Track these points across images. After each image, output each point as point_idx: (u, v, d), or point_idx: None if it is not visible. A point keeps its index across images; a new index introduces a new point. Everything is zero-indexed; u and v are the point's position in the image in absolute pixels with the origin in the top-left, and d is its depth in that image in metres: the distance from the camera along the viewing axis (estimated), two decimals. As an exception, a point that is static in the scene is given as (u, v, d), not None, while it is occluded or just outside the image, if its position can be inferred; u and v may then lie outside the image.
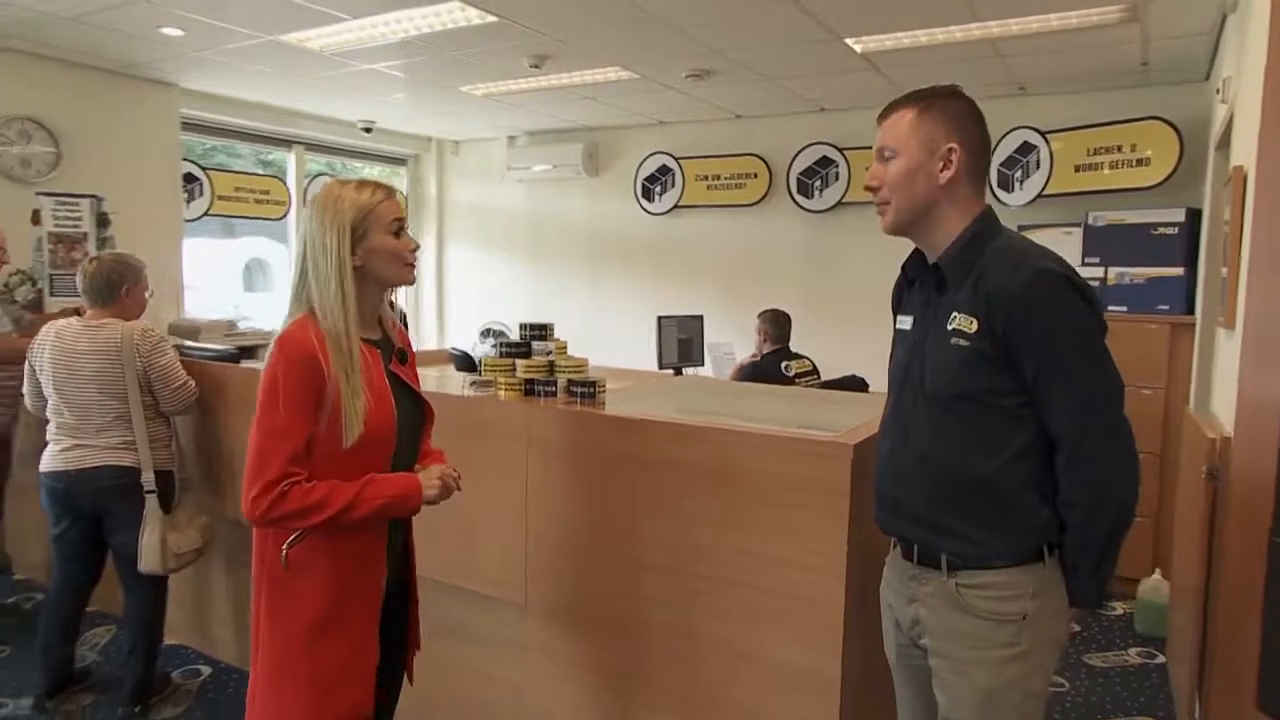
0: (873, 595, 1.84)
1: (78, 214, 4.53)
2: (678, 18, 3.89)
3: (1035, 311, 1.50)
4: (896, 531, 1.72)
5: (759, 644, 2.02)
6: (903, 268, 1.78)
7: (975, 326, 1.55)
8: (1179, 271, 4.29)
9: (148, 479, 2.92)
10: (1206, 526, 2.54)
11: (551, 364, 2.46)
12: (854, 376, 4.51)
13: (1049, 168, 4.92)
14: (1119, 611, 4.17)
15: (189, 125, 5.85)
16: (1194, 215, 4.29)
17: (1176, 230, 4.32)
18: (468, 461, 2.41)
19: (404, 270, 1.81)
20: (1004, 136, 5.08)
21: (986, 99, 4.94)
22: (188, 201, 5.87)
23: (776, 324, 4.71)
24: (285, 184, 6.63)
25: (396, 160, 7.68)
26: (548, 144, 6.95)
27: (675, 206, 6.44)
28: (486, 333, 5.52)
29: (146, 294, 3.13)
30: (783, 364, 4.50)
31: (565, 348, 2.52)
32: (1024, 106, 5.14)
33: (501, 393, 2.47)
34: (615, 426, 2.26)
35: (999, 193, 5.11)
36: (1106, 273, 4.51)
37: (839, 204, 5.77)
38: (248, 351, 3.41)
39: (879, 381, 1.82)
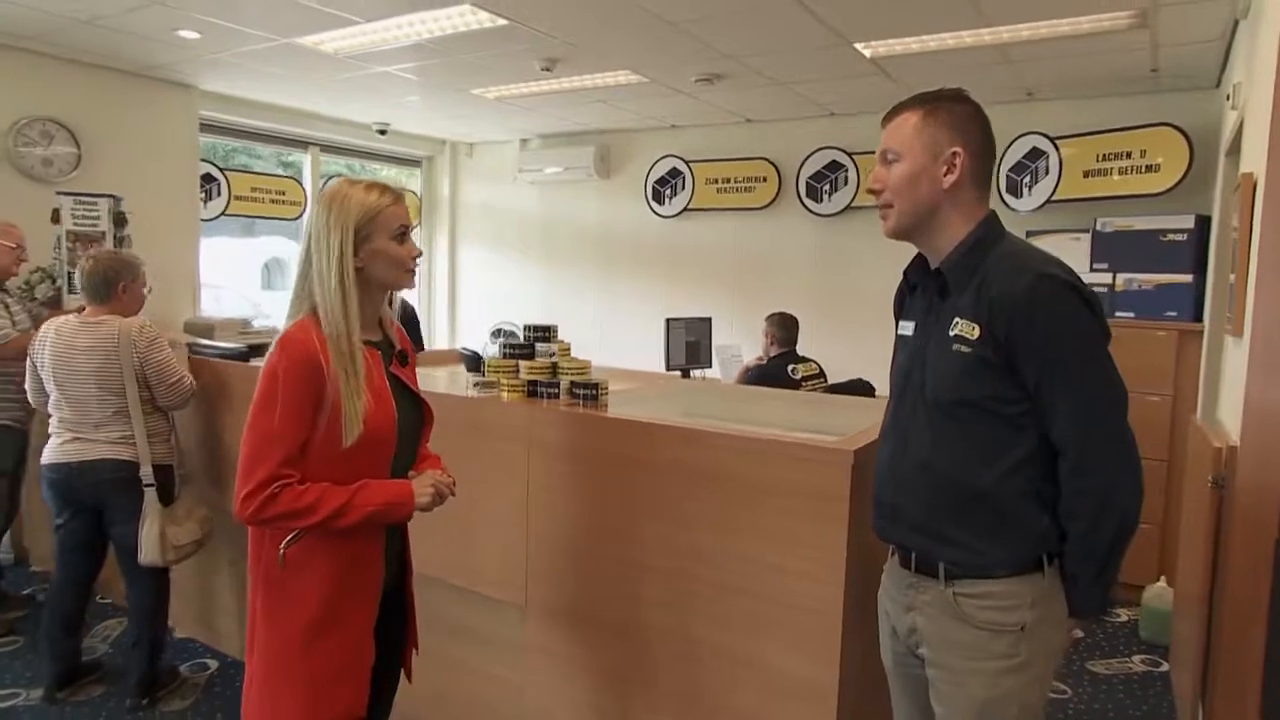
0: (871, 603, 1.80)
1: (96, 213, 4.55)
2: (687, 22, 3.86)
3: (1038, 317, 1.46)
4: (895, 539, 1.68)
5: (757, 650, 1.99)
6: (905, 273, 1.74)
7: (977, 332, 1.51)
8: (1188, 278, 4.22)
9: (146, 473, 2.93)
10: (1211, 535, 2.49)
11: (555, 365, 2.43)
12: (860, 380, 4.46)
13: (1058, 173, 4.87)
14: (1123, 618, 4.11)
15: (207, 126, 5.87)
16: (1203, 222, 4.22)
17: (1186, 237, 4.25)
18: (470, 462, 2.40)
19: (404, 275, 1.79)
20: (1013, 142, 5.02)
21: (996, 104, 4.90)
22: (205, 201, 5.89)
23: (784, 327, 4.67)
24: (301, 185, 6.64)
25: (411, 162, 7.68)
26: (560, 146, 6.93)
27: (685, 209, 6.41)
28: (497, 333, 5.53)
29: (145, 290, 3.15)
30: (789, 367, 4.46)
31: (569, 349, 2.49)
32: (1033, 112, 5.09)
33: (504, 394, 2.44)
34: (616, 429, 2.23)
35: (1007, 198, 5.06)
36: (1115, 279, 4.45)
37: (848, 208, 5.73)
38: (258, 350, 3.41)
39: (885, 386, 1.78)
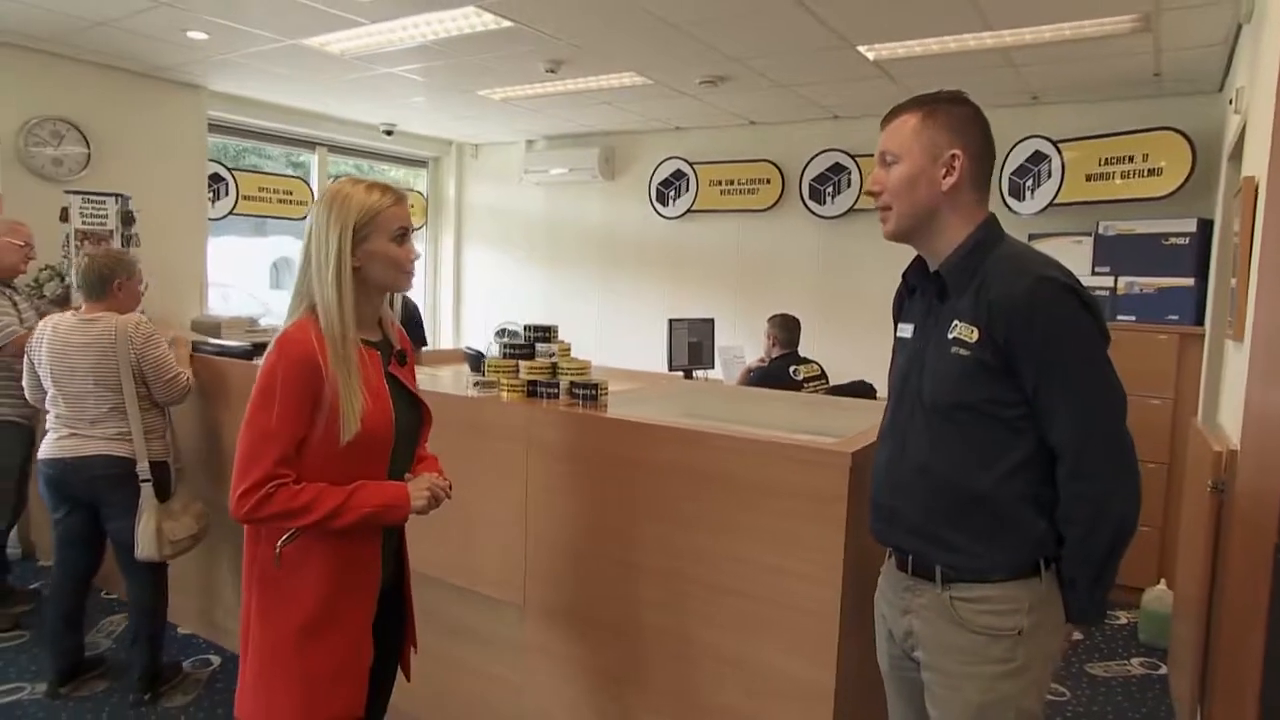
0: (868, 605, 1.78)
1: (104, 212, 4.56)
2: (691, 24, 3.84)
3: (1037, 320, 1.44)
4: (892, 542, 1.67)
5: (754, 651, 1.97)
6: (904, 275, 1.72)
7: (976, 335, 1.49)
8: (1189, 282, 4.20)
9: (142, 469, 2.93)
10: (1211, 539, 2.47)
11: (554, 366, 2.41)
12: (862, 382, 4.44)
13: (1060, 177, 4.84)
14: (1122, 621, 4.08)
15: (216, 127, 5.88)
16: (1205, 226, 4.20)
17: (1187, 241, 4.23)
18: (469, 461, 2.39)
19: (400, 277, 1.77)
20: (1016, 145, 5.00)
21: (999, 108, 4.91)
22: (213, 201, 5.89)
23: (786, 329, 4.65)
24: (309, 185, 6.64)
25: (417, 163, 7.68)
26: (565, 148, 6.92)
27: (689, 211, 6.40)
28: (501, 332, 5.51)
29: (140, 287, 3.16)
30: (791, 368, 4.44)
31: (569, 349, 2.47)
32: (1036, 115, 5.06)
33: (504, 394, 2.43)
34: (615, 429, 2.22)
35: (1010, 201, 5.03)
36: (1116, 282, 4.42)
37: (850, 210, 5.71)
38: (261, 348, 3.41)
39: (885, 388, 1.77)
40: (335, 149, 6.86)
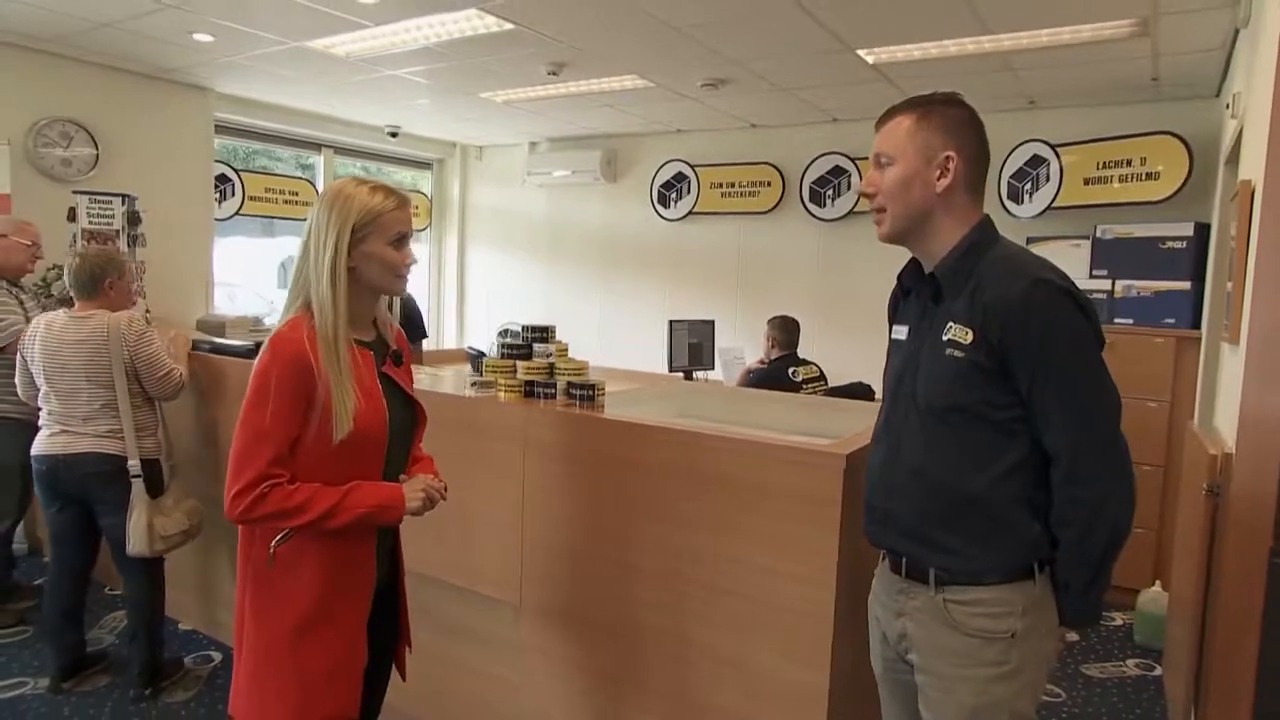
0: (862, 607, 1.76)
1: (110, 212, 4.55)
2: (692, 27, 3.82)
3: (1032, 322, 1.42)
4: (885, 544, 1.64)
5: (748, 652, 1.95)
6: (899, 277, 1.70)
7: (970, 337, 1.47)
8: (1186, 285, 4.17)
9: (133, 465, 2.92)
10: (1206, 543, 2.44)
11: (552, 366, 2.39)
12: (860, 384, 4.43)
13: (1059, 180, 4.81)
14: (1118, 622, 4.05)
15: (223, 128, 5.88)
16: (1202, 230, 4.17)
17: (1185, 244, 4.20)
18: (466, 461, 2.38)
19: (395, 281, 1.74)
20: (1014, 149, 4.97)
21: (997, 112, 4.89)
22: (220, 201, 5.89)
23: (785, 330, 4.63)
24: (314, 186, 6.64)
25: (422, 164, 7.67)
26: (567, 150, 6.91)
27: (690, 213, 6.38)
28: (504, 333, 5.50)
29: (133, 286, 3.17)
30: (790, 370, 4.42)
31: (566, 350, 2.45)
32: (1034, 119, 5.03)
33: (501, 394, 2.41)
34: (611, 430, 2.20)
35: (1009, 204, 5.01)
36: (1114, 285, 4.40)
37: (850, 213, 5.69)
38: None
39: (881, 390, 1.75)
40: (341, 151, 6.86)
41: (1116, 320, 4.34)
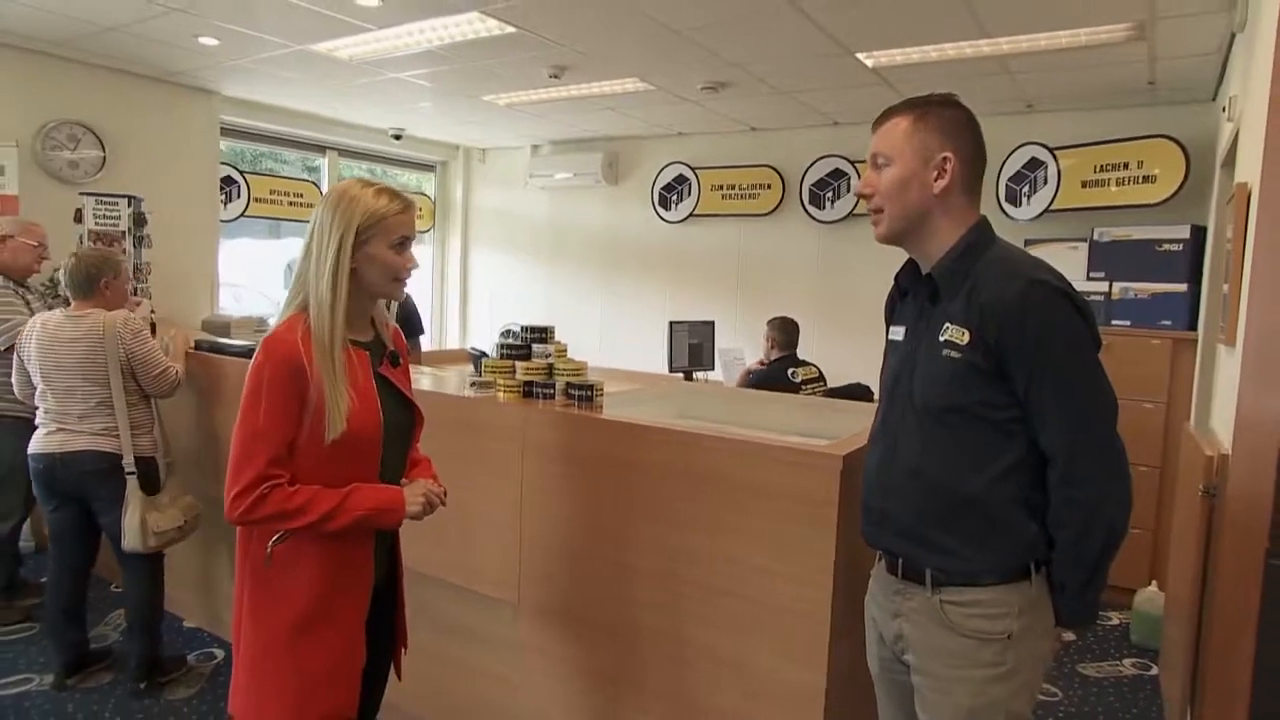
0: (859, 607, 1.74)
1: (116, 213, 4.55)
2: (693, 30, 3.81)
3: (1029, 323, 1.41)
4: (882, 545, 1.63)
5: (745, 653, 1.94)
6: (896, 278, 1.69)
7: (967, 338, 1.45)
8: (1183, 288, 4.15)
9: (128, 462, 2.92)
10: (1202, 543, 2.42)
11: (551, 366, 2.38)
12: (859, 385, 4.41)
13: (1056, 183, 4.80)
14: (1115, 621, 4.03)
15: (228, 131, 5.87)
16: (1199, 232, 4.15)
17: (1181, 247, 4.18)
18: (465, 461, 2.36)
19: (394, 285, 1.73)
20: (1012, 152, 4.96)
21: (995, 115, 4.88)
22: (225, 203, 5.88)
23: (784, 331, 4.62)
24: (319, 188, 6.63)
25: (425, 167, 7.66)
26: (569, 153, 6.90)
27: (691, 215, 6.37)
28: (506, 333, 5.49)
29: (128, 286, 3.18)
30: (789, 371, 4.41)
31: (565, 350, 2.44)
32: (1032, 123, 5.02)
33: (500, 394, 2.39)
34: (609, 430, 2.18)
35: (1006, 207, 4.99)
36: (1111, 288, 4.39)
37: (850, 215, 5.67)
38: None
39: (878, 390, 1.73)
40: (345, 153, 6.85)
41: (1114, 322, 4.32)
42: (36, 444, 2.93)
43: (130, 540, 2.88)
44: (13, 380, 3.08)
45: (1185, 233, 4.18)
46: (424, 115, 6.12)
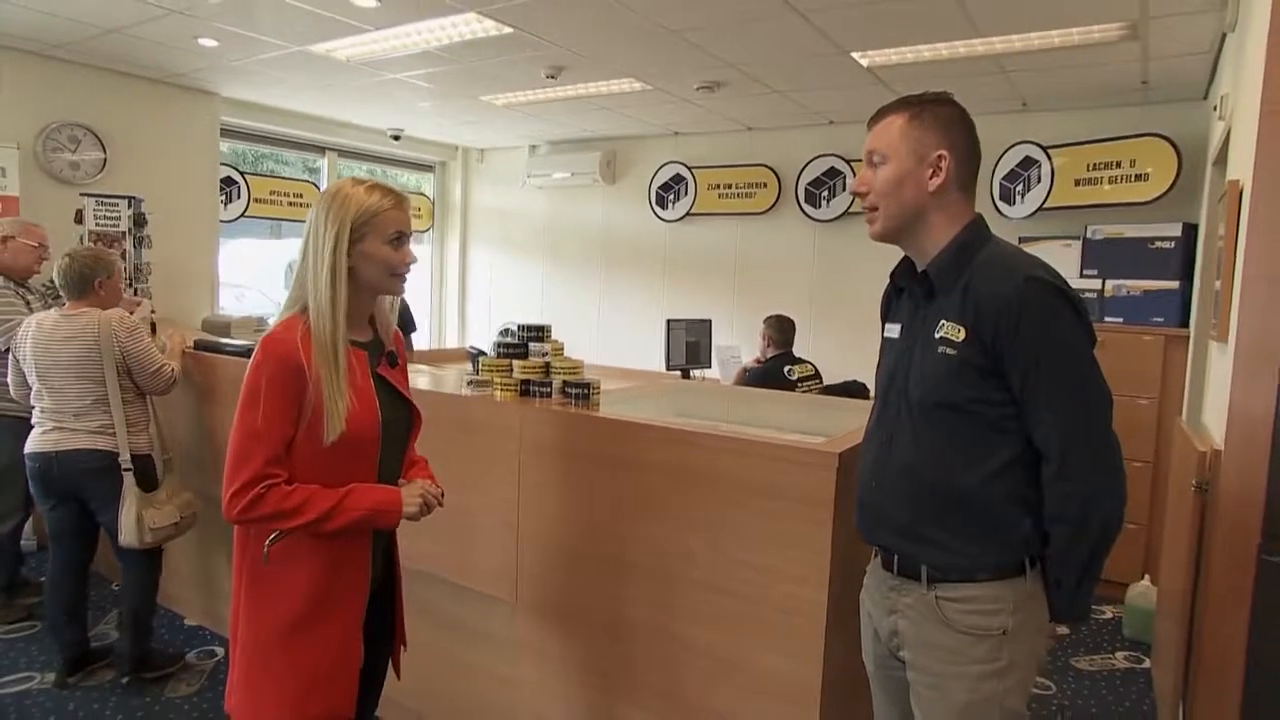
0: (855, 605, 1.73)
1: (117, 214, 4.53)
2: (688, 30, 3.79)
3: (1024, 320, 1.40)
4: (877, 541, 1.62)
5: (742, 650, 1.92)
6: (891, 275, 1.68)
7: (963, 335, 1.44)
8: (1175, 285, 4.15)
9: (124, 459, 2.92)
10: (1194, 538, 2.42)
11: (548, 365, 2.36)
12: (854, 382, 4.40)
13: (1050, 182, 4.79)
14: (1108, 615, 4.03)
15: (228, 132, 5.85)
16: (1190, 230, 4.15)
17: (1173, 244, 4.18)
18: (462, 459, 2.35)
19: (393, 281, 1.71)
20: (1006, 151, 4.95)
21: (990, 114, 4.86)
22: (225, 204, 5.86)
23: (780, 329, 4.60)
24: (318, 188, 6.61)
25: (424, 167, 7.64)
26: (567, 153, 6.88)
27: (688, 214, 6.35)
28: (505, 332, 5.49)
29: (121, 285, 3.17)
30: (785, 368, 4.39)
31: (562, 349, 2.42)
32: (1026, 122, 5.01)
33: (497, 393, 2.38)
34: (605, 428, 2.17)
35: (1001, 205, 4.98)
36: (1104, 285, 4.38)
37: (845, 214, 5.66)
38: None
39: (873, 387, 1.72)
40: (345, 154, 6.83)
41: (1107, 319, 4.32)
42: (33, 443, 2.92)
43: (127, 536, 2.88)
44: (9, 381, 3.06)
45: (1177, 230, 4.17)
46: (422, 116, 6.10)
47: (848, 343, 5.36)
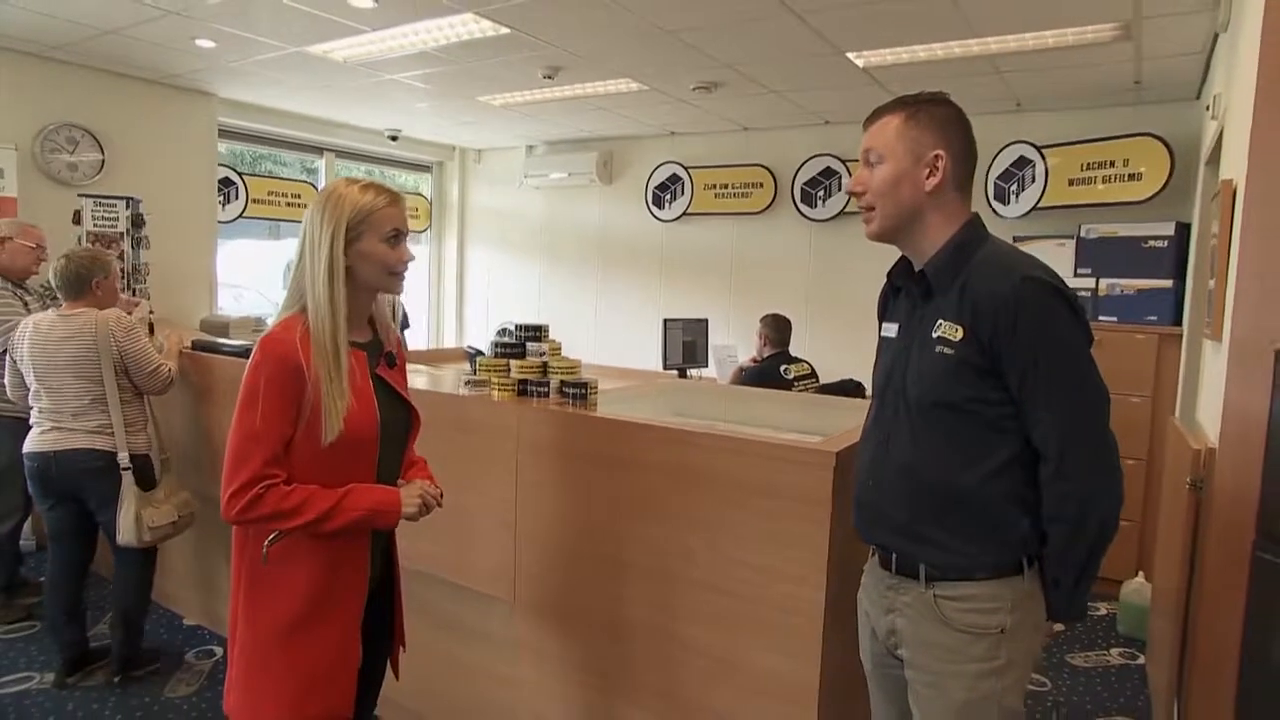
0: (853, 604, 1.73)
1: (115, 215, 4.51)
2: (685, 30, 3.78)
3: (1022, 319, 1.39)
4: (875, 540, 1.61)
5: (739, 649, 1.92)
6: (889, 275, 1.67)
7: (961, 334, 1.44)
8: (1168, 284, 4.15)
9: (123, 458, 2.91)
10: (1189, 535, 2.42)
11: (545, 365, 2.35)
12: (850, 380, 4.39)
13: (1044, 181, 4.79)
14: (1102, 612, 4.03)
15: (226, 132, 5.83)
16: (1183, 229, 4.15)
17: (1166, 243, 4.18)
18: (460, 459, 2.34)
19: (390, 279, 1.69)
20: (1001, 151, 4.95)
21: (984, 114, 4.86)
22: (223, 205, 5.84)
23: (777, 328, 4.60)
24: (316, 188, 6.59)
25: (422, 167, 7.62)
26: (564, 153, 6.86)
27: (684, 214, 6.34)
28: (503, 332, 5.48)
29: (118, 285, 3.17)
30: (781, 367, 4.39)
31: (559, 349, 2.41)
32: (1021, 122, 5.01)
33: (495, 392, 2.37)
34: (603, 428, 2.16)
35: (995, 204, 4.98)
36: (1098, 284, 4.38)
37: (841, 213, 5.65)
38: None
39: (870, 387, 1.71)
40: (343, 154, 6.82)
41: (1100, 318, 4.32)
42: (31, 443, 2.91)
43: (125, 535, 2.87)
44: (5, 382, 3.05)
45: (1170, 229, 4.17)
46: (420, 116, 6.08)
47: (844, 342, 5.36)
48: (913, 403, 1.51)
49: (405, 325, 4.99)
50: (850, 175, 5.51)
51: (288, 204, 6.32)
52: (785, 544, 1.83)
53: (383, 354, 1.76)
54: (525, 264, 7.30)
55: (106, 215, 4.49)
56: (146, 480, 2.98)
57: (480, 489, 2.35)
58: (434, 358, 4.03)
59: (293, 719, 1.62)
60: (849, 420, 2.25)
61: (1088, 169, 4.65)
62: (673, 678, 2.04)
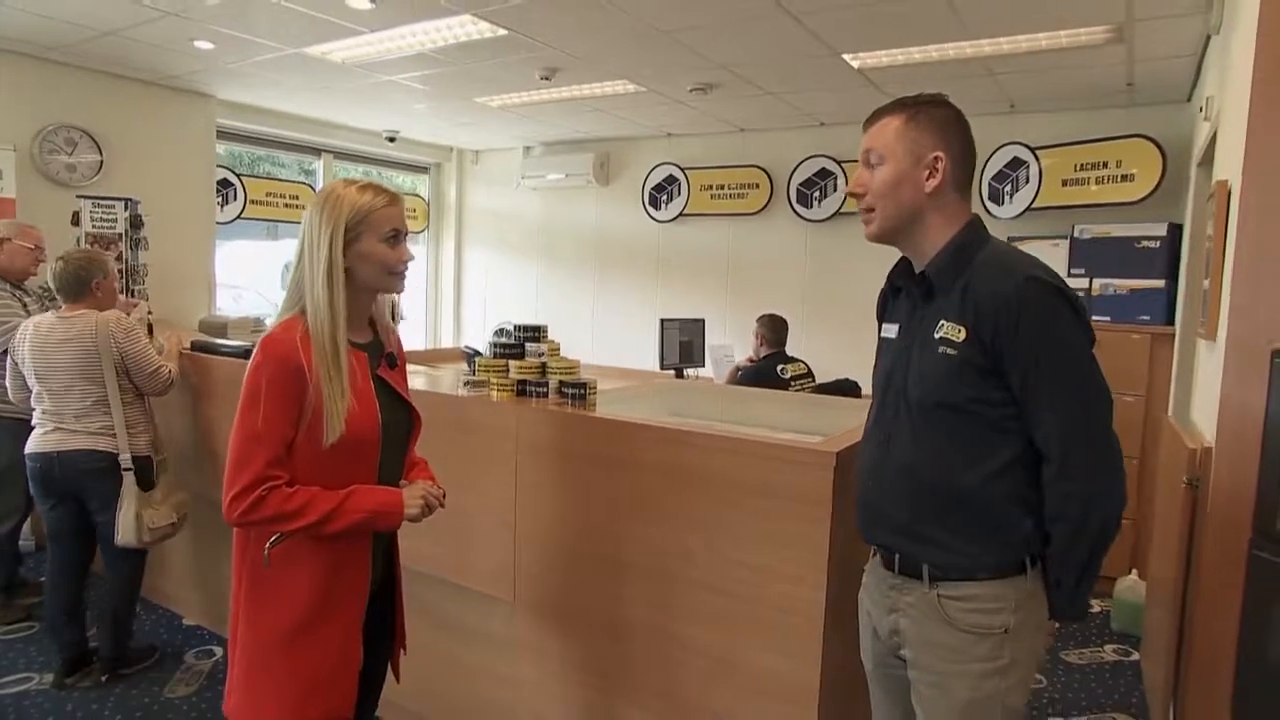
0: (853, 605, 1.71)
1: (113, 216, 4.48)
2: (681, 31, 3.77)
3: (1024, 319, 1.38)
4: (877, 540, 1.60)
5: (739, 650, 1.90)
6: (889, 276, 1.66)
7: (963, 334, 1.42)
8: (1160, 284, 4.15)
9: (124, 459, 2.90)
10: (1185, 534, 2.41)
11: (544, 365, 2.34)
12: (847, 380, 4.38)
13: (1038, 182, 4.79)
14: (1096, 609, 4.03)
15: (224, 134, 5.80)
16: (1175, 230, 4.15)
17: (1158, 244, 4.18)
18: (459, 460, 2.32)
19: (390, 279, 1.68)
20: (995, 152, 4.95)
21: (979, 115, 4.79)
22: (221, 206, 5.81)
23: (773, 328, 4.59)
24: (314, 189, 6.56)
25: (420, 168, 7.60)
26: (561, 154, 6.84)
27: (681, 215, 6.33)
28: (500, 332, 5.46)
29: (116, 286, 3.14)
30: (778, 367, 4.38)
31: (558, 349, 2.40)
32: (1014, 123, 5.00)
33: (494, 393, 2.35)
34: (602, 429, 2.14)
35: (989, 205, 4.98)
36: (1091, 284, 4.38)
37: (837, 214, 5.65)
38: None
39: (870, 388, 1.70)
40: (340, 155, 6.79)
41: (1094, 317, 4.31)
42: (33, 444, 2.90)
43: (125, 535, 2.86)
44: (7, 384, 3.02)
45: (1163, 230, 4.17)
46: (418, 117, 6.05)
47: (840, 342, 5.35)
48: (914, 403, 1.50)
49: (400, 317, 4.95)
50: (846, 176, 5.52)
51: (286, 205, 6.29)
52: (782, 544, 1.82)
53: (383, 355, 1.74)
54: (522, 265, 7.28)
55: (105, 216, 4.46)
56: (146, 481, 2.97)
57: (480, 489, 2.33)
58: (432, 358, 4.01)
59: None
60: (846, 420, 2.24)
61: (1081, 170, 4.65)
62: (672, 678, 2.03)
